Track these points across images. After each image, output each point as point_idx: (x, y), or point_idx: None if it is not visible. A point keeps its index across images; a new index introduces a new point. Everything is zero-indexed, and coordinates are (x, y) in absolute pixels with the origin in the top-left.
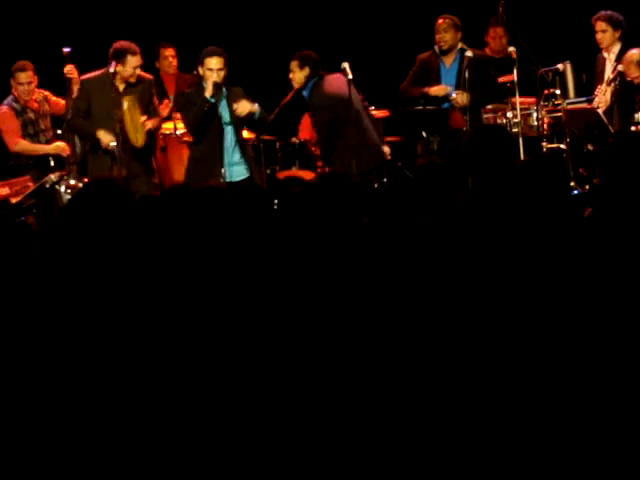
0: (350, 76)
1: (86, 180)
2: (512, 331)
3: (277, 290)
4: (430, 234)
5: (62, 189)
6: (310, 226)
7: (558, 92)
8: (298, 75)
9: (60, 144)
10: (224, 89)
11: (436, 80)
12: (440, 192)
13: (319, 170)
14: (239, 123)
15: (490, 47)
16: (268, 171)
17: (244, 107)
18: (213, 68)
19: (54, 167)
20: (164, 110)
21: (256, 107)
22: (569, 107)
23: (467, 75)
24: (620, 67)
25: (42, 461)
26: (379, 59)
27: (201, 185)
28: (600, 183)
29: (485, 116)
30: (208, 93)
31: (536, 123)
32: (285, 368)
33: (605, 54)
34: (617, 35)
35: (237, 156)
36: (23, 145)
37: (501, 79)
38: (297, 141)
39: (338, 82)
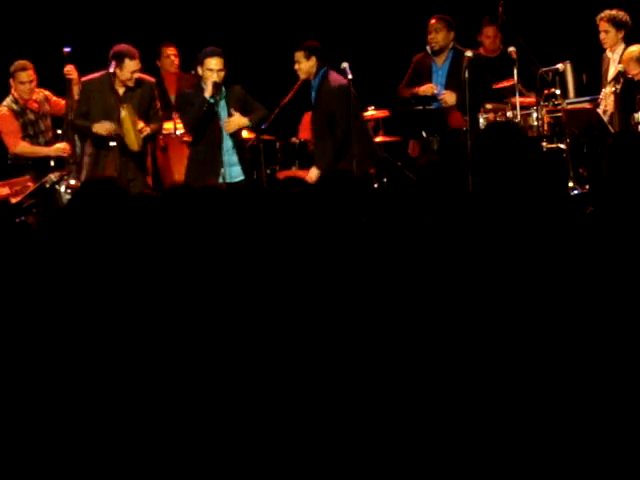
0: (350, 76)
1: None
2: (513, 330)
3: (277, 290)
4: (430, 234)
5: (62, 189)
6: (311, 225)
7: (558, 92)
8: (305, 65)
9: (60, 145)
10: (223, 89)
11: (428, 80)
12: (440, 192)
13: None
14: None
15: (484, 47)
16: (268, 171)
17: (231, 126)
18: (213, 69)
19: (54, 167)
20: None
21: (245, 120)
22: (569, 107)
23: (467, 75)
24: (620, 67)
25: (42, 461)
26: (379, 59)
27: (200, 185)
28: (600, 183)
29: (485, 116)
30: (207, 93)
31: (536, 123)
32: (285, 368)
33: (609, 54)
34: (620, 35)
35: (235, 157)
36: (23, 147)
37: (499, 85)
38: (297, 141)
39: (341, 79)
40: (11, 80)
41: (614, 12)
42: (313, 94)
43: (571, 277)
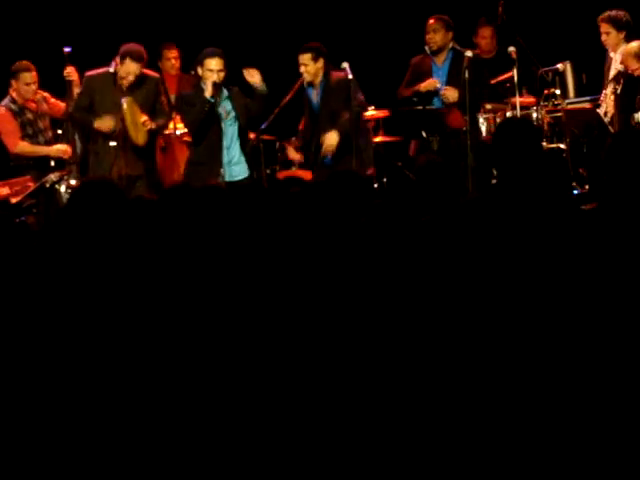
0: (350, 76)
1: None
2: (515, 329)
3: (277, 290)
4: (429, 234)
5: (62, 189)
6: (311, 225)
7: (558, 92)
8: (312, 67)
9: (61, 146)
10: (224, 90)
11: (428, 79)
12: (440, 192)
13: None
14: (243, 122)
15: (480, 48)
16: (268, 171)
17: (255, 75)
18: (213, 69)
19: (54, 167)
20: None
21: (263, 86)
22: (569, 107)
23: (467, 75)
24: (620, 67)
25: (42, 461)
26: (379, 59)
27: (200, 185)
28: (600, 182)
29: (485, 116)
30: (208, 93)
31: (536, 123)
32: (285, 368)
33: (612, 54)
34: (621, 36)
35: (237, 156)
36: (23, 147)
37: (500, 78)
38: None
39: (342, 75)
40: (13, 80)
41: (614, 13)
42: (317, 95)
43: (574, 276)
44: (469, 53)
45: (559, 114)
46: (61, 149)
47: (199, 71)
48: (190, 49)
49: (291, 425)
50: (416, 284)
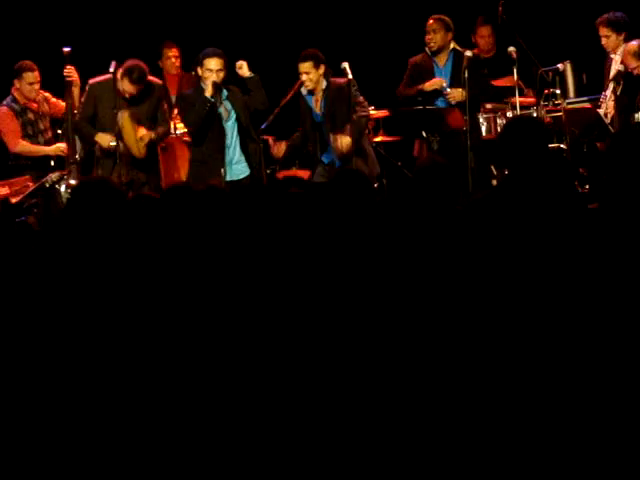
0: (350, 76)
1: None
2: (517, 328)
3: (277, 290)
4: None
5: (62, 189)
6: (312, 225)
7: (558, 92)
8: (315, 75)
9: (60, 145)
10: (223, 90)
11: (430, 79)
12: (440, 192)
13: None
14: (247, 122)
15: (479, 47)
16: (268, 171)
17: (240, 62)
18: (213, 69)
19: (54, 167)
20: None
21: (251, 74)
22: (569, 107)
23: (467, 75)
24: (620, 67)
25: (42, 461)
26: (379, 59)
27: (202, 185)
28: (601, 182)
29: (485, 116)
30: (208, 93)
31: None
32: (285, 368)
33: (612, 55)
34: (621, 38)
35: (237, 155)
36: (23, 146)
37: (499, 82)
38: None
39: (342, 81)
40: (16, 80)
41: (612, 16)
42: (320, 102)
43: (577, 275)
44: (469, 53)
45: (559, 114)
46: (60, 147)
47: (199, 71)
48: (191, 48)
49: (291, 425)
50: (419, 283)
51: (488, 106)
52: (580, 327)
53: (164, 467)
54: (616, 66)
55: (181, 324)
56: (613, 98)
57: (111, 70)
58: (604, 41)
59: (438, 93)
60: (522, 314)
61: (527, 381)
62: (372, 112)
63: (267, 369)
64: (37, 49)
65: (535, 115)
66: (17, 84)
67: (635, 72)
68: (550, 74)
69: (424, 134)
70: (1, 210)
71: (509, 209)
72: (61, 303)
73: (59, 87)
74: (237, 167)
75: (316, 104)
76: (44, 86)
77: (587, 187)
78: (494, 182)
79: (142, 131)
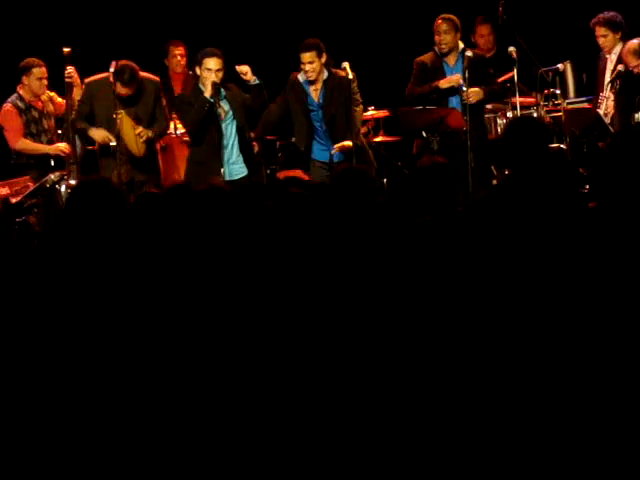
0: (350, 76)
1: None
2: (518, 327)
3: (278, 290)
4: (431, 236)
5: (62, 189)
6: (312, 225)
7: (558, 92)
8: (317, 64)
9: (61, 145)
10: (222, 90)
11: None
12: (443, 192)
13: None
14: (243, 121)
15: (478, 47)
16: (268, 171)
17: (245, 68)
18: (212, 69)
19: (54, 167)
20: None
21: (255, 78)
22: (569, 107)
23: (467, 75)
24: (620, 67)
25: (42, 461)
26: (379, 59)
27: (201, 184)
28: (600, 181)
29: (485, 116)
30: (207, 93)
31: None
32: (285, 368)
33: (607, 55)
34: (618, 37)
35: (235, 154)
36: (24, 143)
37: (502, 78)
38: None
39: (345, 77)
40: (24, 76)
41: (608, 15)
42: (319, 92)
43: (572, 276)
44: (469, 53)
45: (559, 114)
46: (60, 147)
47: (197, 71)
48: (195, 47)
49: (291, 425)
50: (420, 284)
51: (488, 106)
52: (580, 327)
53: (164, 467)
54: (611, 66)
55: (181, 324)
56: (613, 98)
57: (111, 70)
58: (601, 41)
59: (453, 91)
60: (522, 313)
61: (528, 380)
62: (372, 112)
63: (267, 368)
64: (37, 49)
65: (535, 115)
66: (25, 80)
67: (635, 71)
68: (550, 74)
69: (424, 134)
70: (1, 210)
71: (510, 209)
72: (61, 303)
73: (59, 87)
74: (235, 167)
75: (314, 93)
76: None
77: (587, 187)
78: (494, 182)
79: (139, 129)
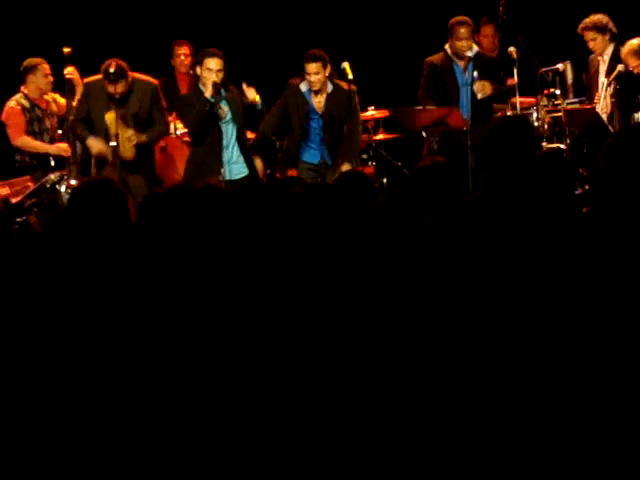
0: (350, 76)
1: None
2: (514, 330)
3: (277, 290)
4: (430, 236)
5: (62, 189)
6: (312, 225)
7: (558, 92)
8: (323, 75)
9: (62, 145)
10: (222, 91)
11: (453, 81)
12: (443, 192)
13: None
14: (241, 122)
15: (482, 47)
16: (268, 171)
17: (252, 93)
18: (212, 69)
19: (54, 167)
20: None
21: (258, 98)
22: (569, 107)
23: (466, 75)
24: (620, 67)
25: (42, 461)
26: (379, 59)
27: (200, 184)
28: (599, 181)
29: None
30: (208, 94)
31: (536, 123)
32: (285, 368)
33: (599, 57)
34: (607, 38)
35: (236, 155)
36: (25, 140)
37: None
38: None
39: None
40: (30, 75)
41: (594, 19)
42: (323, 102)
43: (573, 276)
44: (469, 53)
45: (559, 114)
46: (61, 147)
47: (197, 71)
48: (202, 47)
49: (291, 425)
50: (418, 284)
51: None
52: (579, 327)
53: (164, 467)
54: (604, 66)
55: (181, 324)
56: (610, 97)
57: (111, 70)
58: (591, 45)
59: (463, 88)
60: (521, 314)
61: (525, 380)
62: (372, 112)
63: (266, 369)
64: (37, 49)
65: (534, 115)
66: (32, 79)
67: (635, 71)
68: (550, 74)
69: (424, 134)
70: (1, 210)
71: (494, 212)
72: (62, 303)
73: (60, 87)
74: (235, 167)
75: (317, 103)
76: None
77: (587, 187)
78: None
79: (129, 132)
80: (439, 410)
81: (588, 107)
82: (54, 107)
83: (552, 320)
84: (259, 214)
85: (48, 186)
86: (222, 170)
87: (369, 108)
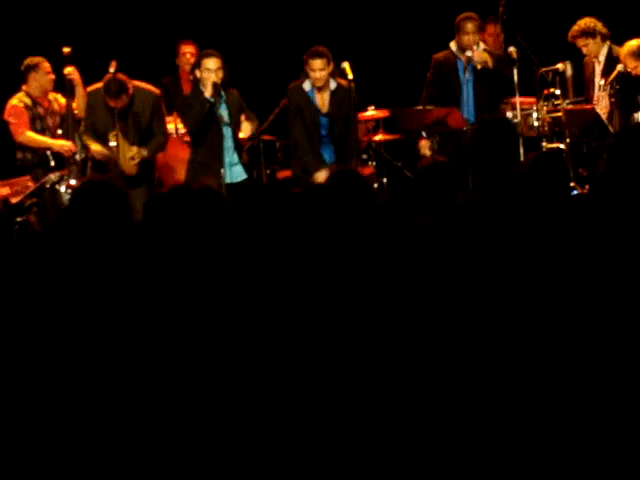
0: (350, 76)
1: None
2: (513, 331)
3: (277, 291)
4: (430, 236)
5: (62, 189)
6: (312, 225)
7: (558, 92)
8: (327, 72)
9: (65, 142)
10: (222, 92)
11: (456, 78)
12: (444, 193)
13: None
14: (237, 125)
15: (487, 45)
16: (268, 171)
17: (248, 130)
18: (211, 68)
19: (54, 167)
20: None
21: (254, 129)
22: (569, 107)
23: (467, 75)
24: (620, 67)
25: (42, 461)
26: (379, 59)
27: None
28: (599, 180)
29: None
30: (208, 94)
31: (536, 123)
32: (286, 368)
33: (593, 59)
34: (598, 40)
35: (236, 157)
36: (28, 136)
37: None
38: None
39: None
40: (32, 73)
41: (582, 25)
42: (326, 99)
43: (571, 276)
44: (469, 53)
45: (559, 114)
46: (64, 145)
47: (197, 74)
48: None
49: (291, 425)
50: (417, 285)
51: None
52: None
53: (164, 467)
54: (600, 67)
55: (182, 324)
56: (609, 98)
57: (111, 70)
58: (585, 50)
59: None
60: (520, 314)
61: (525, 380)
62: (372, 112)
63: (267, 369)
64: (37, 49)
65: (534, 115)
66: (34, 77)
67: (633, 72)
68: (550, 74)
69: (424, 134)
70: (1, 210)
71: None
72: (62, 303)
73: (60, 87)
74: (236, 169)
75: (321, 101)
76: None
77: (587, 187)
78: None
79: (133, 150)
80: (439, 410)
81: (588, 107)
82: (56, 106)
83: (552, 319)
84: (258, 214)
85: (48, 186)
86: (222, 171)
87: (369, 108)
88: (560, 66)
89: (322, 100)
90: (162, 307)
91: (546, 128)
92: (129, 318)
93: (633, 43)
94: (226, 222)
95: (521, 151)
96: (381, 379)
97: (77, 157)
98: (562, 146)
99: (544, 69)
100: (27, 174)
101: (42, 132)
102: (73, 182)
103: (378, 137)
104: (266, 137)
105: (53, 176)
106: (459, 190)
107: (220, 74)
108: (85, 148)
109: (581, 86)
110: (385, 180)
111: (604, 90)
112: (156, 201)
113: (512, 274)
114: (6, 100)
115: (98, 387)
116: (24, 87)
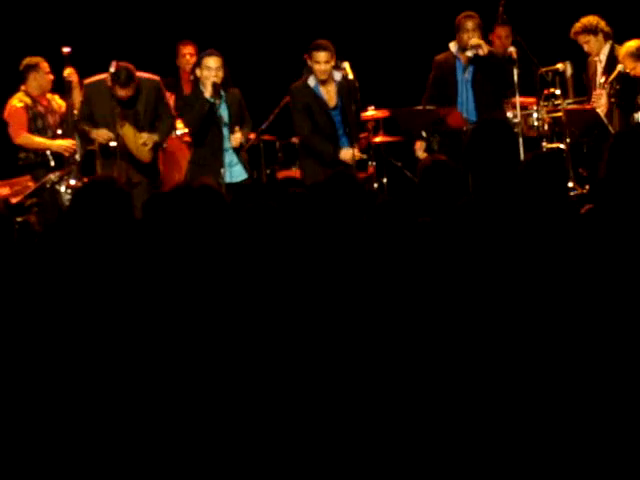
0: (351, 76)
1: (86, 180)
2: (513, 332)
3: (277, 289)
4: (430, 236)
5: (62, 189)
6: (312, 225)
7: (558, 92)
8: (331, 65)
9: (64, 142)
10: (222, 92)
11: (454, 79)
12: (445, 192)
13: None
14: (238, 124)
15: (493, 46)
16: (268, 171)
17: (237, 140)
18: (211, 67)
19: (54, 167)
20: None
21: (244, 139)
22: (569, 107)
23: (466, 75)
24: (620, 67)
25: (42, 461)
26: (379, 59)
27: (198, 183)
28: (599, 181)
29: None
30: (208, 94)
31: (536, 123)
32: (286, 369)
33: (595, 58)
34: (600, 38)
35: (236, 157)
36: (26, 138)
37: None
38: (297, 141)
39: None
40: (32, 73)
41: (584, 22)
42: (333, 92)
43: (570, 277)
44: (469, 53)
45: (559, 114)
46: (63, 145)
47: (197, 73)
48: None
49: (291, 425)
50: (418, 284)
51: None
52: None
53: (164, 467)
54: (601, 66)
55: (182, 325)
56: (609, 98)
57: (111, 70)
58: (586, 47)
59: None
60: (520, 314)
61: (524, 380)
62: (372, 112)
63: (267, 369)
64: (37, 49)
65: (534, 115)
66: (34, 76)
67: (632, 73)
68: (550, 74)
69: (424, 134)
70: (2, 210)
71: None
72: (62, 303)
73: (59, 87)
74: (236, 169)
75: (328, 95)
76: None
77: (587, 187)
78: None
79: (144, 136)
80: (439, 410)
81: (588, 107)
82: (55, 105)
83: (551, 318)
84: (258, 214)
85: (48, 186)
86: (222, 171)
87: (369, 108)
88: (560, 66)
89: (329, 94)
90: (162, 306)
91: (546, 128)
92: (129, 318)
93: (632, 44)
94: (226, 221)
95: (521, 151)
96: (381, 379)
97: (77, 157)
98: (562, 146)
99: (544, 69)
100: (29, 174)
101: (43, 130)
102: (73, 182)
103: (378, 138)
104: (266, 137)
105: (53, 176)
106: (463, 190)
107: (220, 74)
108: (84, 138)
109: (581, 86)
110: (385, 180)
111: (604, 88)
112: (155, 200)
113: (512, 274)
114: (6, 100)
115: (99, 386)
116: (23, 87)
